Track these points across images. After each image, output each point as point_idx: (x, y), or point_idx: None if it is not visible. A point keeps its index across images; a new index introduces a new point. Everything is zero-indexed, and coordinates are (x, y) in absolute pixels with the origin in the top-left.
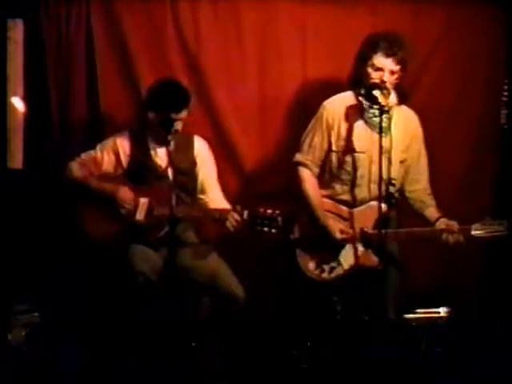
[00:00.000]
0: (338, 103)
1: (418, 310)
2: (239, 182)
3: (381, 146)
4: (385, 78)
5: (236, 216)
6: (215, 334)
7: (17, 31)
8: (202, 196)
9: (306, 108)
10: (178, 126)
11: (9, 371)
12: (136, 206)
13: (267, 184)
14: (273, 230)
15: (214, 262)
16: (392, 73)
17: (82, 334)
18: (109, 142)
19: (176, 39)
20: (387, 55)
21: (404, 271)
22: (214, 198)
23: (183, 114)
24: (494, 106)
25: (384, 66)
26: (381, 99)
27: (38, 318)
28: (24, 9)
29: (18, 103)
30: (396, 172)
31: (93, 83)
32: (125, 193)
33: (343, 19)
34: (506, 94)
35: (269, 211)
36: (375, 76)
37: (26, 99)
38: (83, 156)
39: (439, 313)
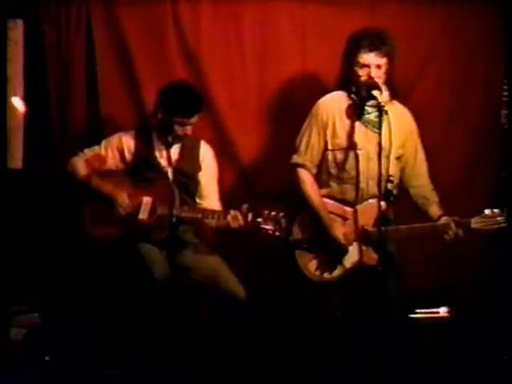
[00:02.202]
0: (332, 101)
1: (418, 310)
2: (239, 181)
3: (380, 144)
4: (372, 74)
5: (239, 217)
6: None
7: (17, 31)
8: (200, 201)
9: (305, 107)
10: (187, 130)
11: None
12: (139, 205)
13: (267, 184)
14: (277, 233)
15: (214, 262)
16: (378, 67)
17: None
18: (114, 139)
19: (176, 39)
20: (370, 50)
21: (401, 271)
22: (212, 205)
23: (194, 119)
24: (493, 106)
25: (369, 62)
26: (381, 98)
27: (38, 317)
28: (24, 9)
29: (17, 103)
30: (393, 168)
31: (93, 83)
32: (123, 199)
33: (343, 19)
34: (505, 93)
35: (273, 213)
36: (362, 73)
37: (26, 99)
38: (87, 152)
39: (439, 313)
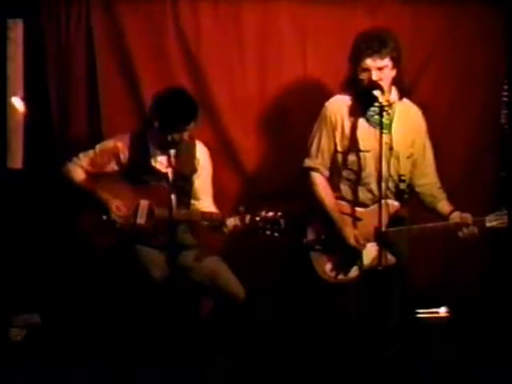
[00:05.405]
0: (339, 103)
1: (418, 310)
2: (240, 182)
3: (381, 146)
4: (373, 77)
5: (236, 221)
6: (216, 334)
7: (17, 31)
8: (194, 201)
9: (306, 108)
10: (184, 136)
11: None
12: (136, 208)
13: (268, 184)
14: (275, 234)
15: (213, 262)
16: (379, 69)
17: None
18: (109, 144)
19: (176, 39)
20: (369, 54)
21: (408, 272)
22: (206, 205)
23: (190, 126)
24: (493, 106)
25: (368, 66)
26: (382, 99)
27: (38, 317)
28: (24, 9)
29: (17, 103)
30: (404, 168)
31: (93, 83)
32: (117, 209)
33: (343, 20)
34: (506, 93)
35: (270, 214)
36: (364, 77)
37: (26, 99)
38: (81, 156)
39: (439, 313)
